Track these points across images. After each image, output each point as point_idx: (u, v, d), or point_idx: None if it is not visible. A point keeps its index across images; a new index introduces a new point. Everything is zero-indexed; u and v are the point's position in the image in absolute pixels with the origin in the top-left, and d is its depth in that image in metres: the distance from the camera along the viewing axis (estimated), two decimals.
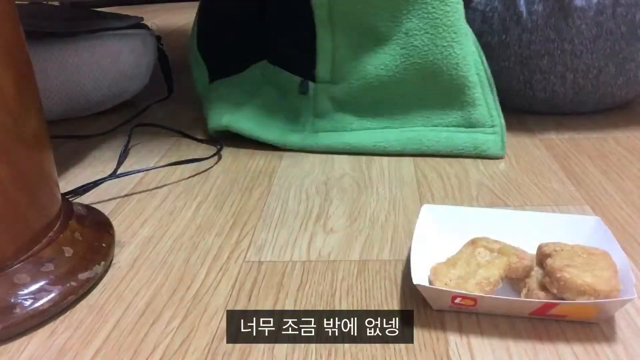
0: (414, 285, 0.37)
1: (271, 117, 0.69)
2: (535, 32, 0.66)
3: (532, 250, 0.41)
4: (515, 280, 0.40)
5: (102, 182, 0.60)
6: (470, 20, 0.70)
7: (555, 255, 0.38)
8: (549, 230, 0.43)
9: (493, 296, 0.37)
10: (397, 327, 0.38)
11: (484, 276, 0.38)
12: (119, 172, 0.63)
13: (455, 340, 0.36)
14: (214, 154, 0.66)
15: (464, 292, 0.36)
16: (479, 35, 0.69)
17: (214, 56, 0.77)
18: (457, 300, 0.37)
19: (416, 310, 0.39)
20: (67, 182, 0.62)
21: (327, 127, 0.66)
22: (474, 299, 0.36)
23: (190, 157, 0.65)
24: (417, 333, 0.37)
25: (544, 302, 0.36)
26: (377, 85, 0.64)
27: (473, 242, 0.41)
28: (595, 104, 0.72)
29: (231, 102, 0.70)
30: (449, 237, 0.43)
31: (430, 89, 0.63)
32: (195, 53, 0.77)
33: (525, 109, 0.74)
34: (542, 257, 0.39)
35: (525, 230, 0.43)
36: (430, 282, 0.39)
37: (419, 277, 0.38)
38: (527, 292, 0.38)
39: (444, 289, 0.37)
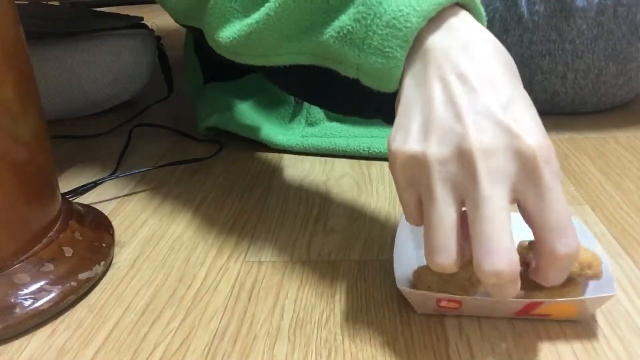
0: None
1: (261, 119, 0.69)
2: (537, 32, 0.66)
3: None
4: None
5: (102, 182, 0.60)
6: None
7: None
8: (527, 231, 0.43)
9: (477, 297, 0.36)
10: (397, 327, 0.38)
11: (465, 277, 0.37)
12: (119, 172, 0.63)
13: (455, 340, 0.36)
14: (214, 154, 0.67)
15: (448, 295, 0.36)
16: None
17: (210, 60, 0.77)
18: (443, 304, 0.37)
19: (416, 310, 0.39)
20: (67, 182, 0.62)
21: (316, 134, 0.67)
22: (459, 302, 0.36)
23: (190, 157, 0.65)
24: (417, 333, 0.37)
25: (527, 301, 0.35)
26: None
27: None
28: (596, 104, 0.72)
29: (222, 103, 0.71)
30: None
31: None
32: (191, 53, 0.77)
33: None
34: (523, 251, 0.39)
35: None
36: (414, 286, 0.39)
37: (403, 281, 0.38)
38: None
39: (428, 293, 0.37)
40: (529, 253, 0.38)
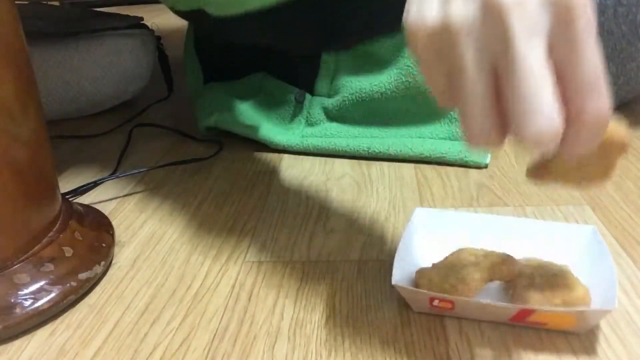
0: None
1: (261, 119, 0.69)
2: None
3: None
4: (508, 284, 0.39)
5: (102, 182, 0.60)
6: None
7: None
8: (542, 239, 0.43)
9: (470, 299, 0.36)
10: (397, 327, 0.38)
11: (467, 272, 0.37)
12: (119, 172, 0.63)
13: (455, 340, 0.36)
14: (214, 154, 0.67)
15: (441, 294, 0.36)
16: None
17: (211, 60, 0.76)
18: (435, 303, 0.37)
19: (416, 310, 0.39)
20: (67, 182, 0.62)
21: (316, 134, 0.67)
22: (451, 302, 0.36)
23: (190, 157, 0.65)
24: (417, 333, 0.37)
25: (520, 307, 0.35)
26: (370, 100, 0.65)
27: (459, 251, 0.41)
28: None
29: (222, 103, 0.71)
30: (438, 243, 0.44)
31: (420, 106, 0.64)
32: (191, 53, 0.77)
33: None
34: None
35: (518, 237, 0.43)
36: (416, 284, 0.39)
37: (399, 278, 0.38)
38: (514, 293, 0.38)
39: (420, 290, 0.37)
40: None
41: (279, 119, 0.69)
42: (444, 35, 0.27)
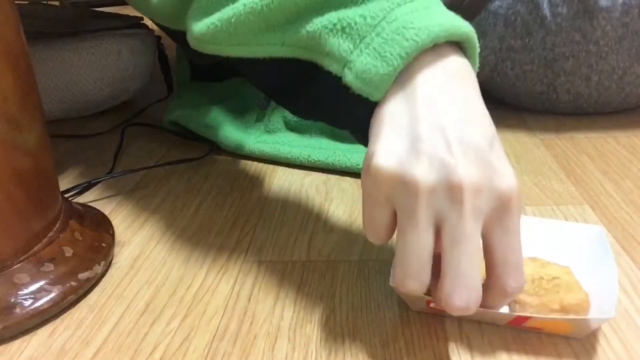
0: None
1: (224, 122, 0.69)
2: (560, 34, 0.66)
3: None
4: None
5: (101, 181, 0.60)
6: (491, 25, 0.69)
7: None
8: (546, 238, 0.43)
9: None
10: (397, 327, 0.38)
11: None
12: (119, 171, 0.63)
13: (455, 340, 0.36)
14: (214, 153, 0.66)
15: None
16: (501, 39, 0.68)
17: (195, 60, 0.77)
18: (432, 305, 0.37)
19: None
20: (67, 182, 0.62)
21: (269, 141, 0.66)
22: None
23: (190, 157, 0.65)
24: (417, 333, 0.37)
25: (516, 315, 0.35)
26: None
27: None
28: (620, 105, 0.71)
29: (191, 101, 0.71)
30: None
31: None
32: (181, 54, 0.78)
33: (548, 110, 0.74)
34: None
35: (521, 237, 0.43)
36: None
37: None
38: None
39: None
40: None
41: (240, 124, 0.69)
42: (406, 187, 0.30)
